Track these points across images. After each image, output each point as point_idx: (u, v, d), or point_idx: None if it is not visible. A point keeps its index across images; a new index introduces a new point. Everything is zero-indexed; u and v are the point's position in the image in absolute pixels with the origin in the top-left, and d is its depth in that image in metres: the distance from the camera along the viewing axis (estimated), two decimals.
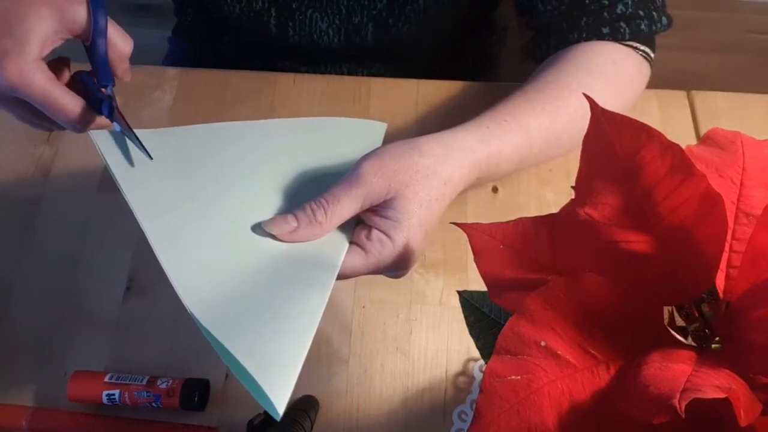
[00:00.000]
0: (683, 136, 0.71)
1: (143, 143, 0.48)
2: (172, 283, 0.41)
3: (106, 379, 0.57)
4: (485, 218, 0.46)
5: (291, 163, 0.51)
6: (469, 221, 0.37)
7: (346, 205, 0.45)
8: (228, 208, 0.47)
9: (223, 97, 0.74)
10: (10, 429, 0.56)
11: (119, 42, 0.49)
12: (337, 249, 0.46)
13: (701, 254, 0.30)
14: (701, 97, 0.74)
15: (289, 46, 0.78)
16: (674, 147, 0.29)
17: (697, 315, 0.31)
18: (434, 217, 0.47)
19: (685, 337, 0.30)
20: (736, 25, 1.06)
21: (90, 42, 0.47)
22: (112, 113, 0.47)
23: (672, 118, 0.73)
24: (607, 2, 0.62)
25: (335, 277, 0.44)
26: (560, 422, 0.28)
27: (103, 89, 0.49)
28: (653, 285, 0.30)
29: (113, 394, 0.56)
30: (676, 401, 0.24)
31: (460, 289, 0.46)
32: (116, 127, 0.48)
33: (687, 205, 0.29)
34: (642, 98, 0.65)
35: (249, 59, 0.84)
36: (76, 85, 0.49)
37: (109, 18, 0.48)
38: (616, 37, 0.62)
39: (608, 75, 0.60)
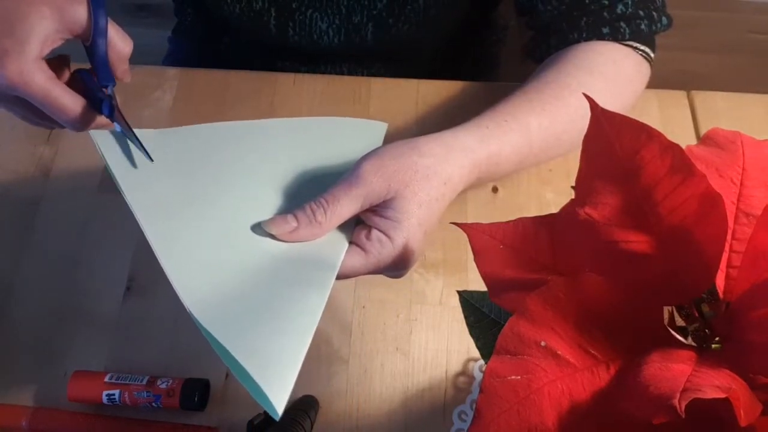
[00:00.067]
0: (683, 136, 0.71)
1: (143, 143, 0.48)
2: (172, 284, 0.41)
3: (106, 379, 0.57)
4: (485, 218, 0.46)
5: (291, 163, 0.51)
6: (469, 221, 0.37)
7: (346, 205, 0.45)
8: (228, 208, 0.47)
9: (223, 97, 0.74)
10: (10, 429, 0.56)
11: (119, 42, 0.49)
12: (336, 249, 0.46)
13: (701, 254, 0.30)
14: (701, 97, 0.74)
15: (289, 46, 0.78)
16: (674, 147, 0.29)
17: (697, 315, 0.31)
18: (434, 217, 0.47)
19: (685, 337, 0.30)
20: (736, 25, 1.06)
21: (90, 42, 0.47)
22: (113, 113, 0.48)
23: (672, 118, 0.73)
24: (607, 2, 0.62)
25: (335, 277, 0.44)
26: (560, 422, 0.28)
27: (103, 89, 0.49)
28: (653, 285, 0.30)
29: (113, 394, 0.56)
30: (676, 401, 0.24)
31: (460, 289, 0.46)
32: (116, 127, 0.49)
33: (687, 205, 0.29)
34: (642, 98, 0.65)
35: (249, 59, 0.84)
36: (76, 83, 0.49)
37: (109, 18, 0.48)
38: (616, 37, 0.62)
39: (608, 75, 0.60)
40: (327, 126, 0.58)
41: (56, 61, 0.49)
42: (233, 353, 0.37)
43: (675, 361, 0.28)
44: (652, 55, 0.64)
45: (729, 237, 0.31)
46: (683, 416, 0.24)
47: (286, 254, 0.45)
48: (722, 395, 0.25)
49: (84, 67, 0.50)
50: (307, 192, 0.48)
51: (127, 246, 0.65)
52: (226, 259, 0.44)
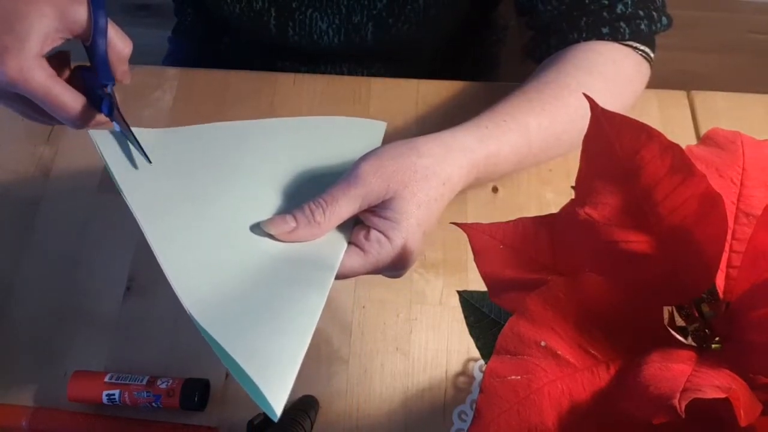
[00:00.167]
0: (683, 136, 0.71)
1: (143, 142, 0.48)
2: (171, 284, 0.41)
3: (106, 379, 0.57)
4: (485, 218, 0.46)
5: (290, 163, 0.51)
6: (469, 221, 0.37)
7: (345, 205, 0.45)
8: (227, 209, 0.47)
9: (223, 97, 0.74)
10: (10, 429, 0.56)
11: (119, 43, 0.49)
12: (335, 249, 0.46)
13: (701, 254, 0.30)
14: (701, 97, 0.74)
15: (289, 46, 0.78)
16: (674, 147, 0.29)
17: (697, 315, 0.31)
18: (433, 217, 0.47)
19: (685, 337, 0.30)
20: (736, 25, 1.06)
21: (90, 42, 0.47)
22: (112, 112, 0.48)
23: (672, 118, 0.73)
24: (606, 2, 0.62)
25: (334, 277, 0.44)
26: (560, 422, 0.28)
27: (103, 87, 0.48)
28: (653, 285, 0.30)
29: (113, 394, 0.56)
30: (676, 401, 0.24)
31: (460, 289, 0.46)
32: (115, 126, 0.48)
33: (687, 205, 0.29)
34: (642, 98, 0.65)
35: (249, 59, 0.84)
36: (76, 81, 0.49)
37: (108, 19, 0.48)
38: (616, 37, 0.62)
39: (608, 75, 0.60)
40: (326, 125, 0.58)
41: (56, 59, 0.49)
42: (232, 354, 0.37)
43: (675, 361, 0.28)
44: (652, 55, 0.64)
45: (729, 237, 0.31)
46: (683, 416, 0.24)
47: (285, 254, 0.45)
48: (722, 395, 0.25)
49: (85, 64, 0.50)
50: (306, 192, 0.48)
51: (127, 246, 0.65)
52: (225, 260, 0.44)
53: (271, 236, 0.45)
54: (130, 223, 0.44)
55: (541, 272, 0.34)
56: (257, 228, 0.46)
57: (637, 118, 0.29)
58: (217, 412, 0.58)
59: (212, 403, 0.58)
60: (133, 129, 0.48)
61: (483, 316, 0.44)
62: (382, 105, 0.73)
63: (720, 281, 0.31)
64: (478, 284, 0.37)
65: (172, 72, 0.76)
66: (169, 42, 0.98)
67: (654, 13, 0.63)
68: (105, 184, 0.69)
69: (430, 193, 0.46)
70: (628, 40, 0.62)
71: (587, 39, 0.62)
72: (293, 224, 0.45)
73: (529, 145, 0.54)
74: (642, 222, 0.30)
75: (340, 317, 0.62)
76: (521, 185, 0.69)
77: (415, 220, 0.46)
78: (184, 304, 0.40)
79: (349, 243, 0.47)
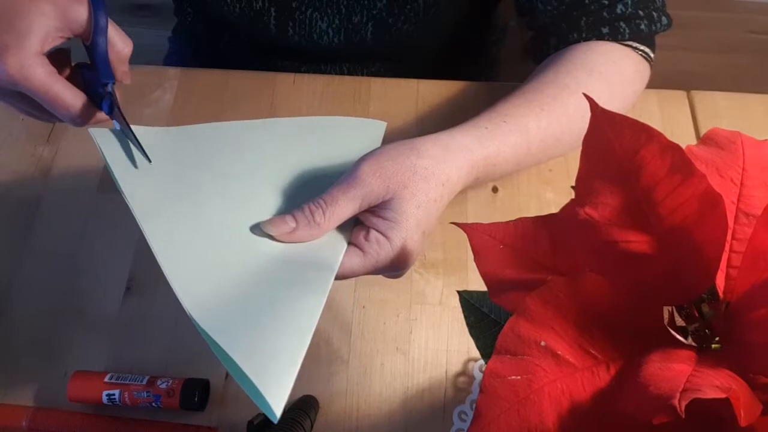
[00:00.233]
0: (683, 136, 0.71)
1: (143, 140, 0.48)
2: (171, 284, 0.41)
3: (106, 379, 0.57)
4: (485, 218, 0.46)
5: (290, 163, 0.51)
6: (469, 221, 0.37)
7: (345, 206, 0.45)
8: (227, 209, 0.47)
9: (223, 97, 0.74)
10: (10, 429, 0.56)
11: (119, 43, 0.49)
12: (335, 250, 0.46)
13: (701, 254, 0.30)
14: (701, 97, 0.74)
15: (289, 45, 0.78)
16: (674, 147, 0.29)
17: (697, 315, 0.31)
18: (432, 218, 0.47)
19: (685, 337, 0.30)
20: (736, 25, 1.06)
21: (90, 41, 0.47)
22: (112, 110, 0.48)
23: (672, 118, 0.73)
24: (606, 2, 0.62)
25: (333, 277, 0.44)
26: (560, 422, 0.28)
27: (103, 86, 0.48)
28: (653, 285, 0.30)
29: (113, 394, 0.56)
30: (676, 401, 0.24)
31: (460, 289, 0.46)
32: (115, 125, 0.48)
33: (687, 205, 0.29)
34: (642, 98, 0.65)
35: (249, 59, 0.84)
36: (77, 78, 0.49)
37: (109, 19, 0.48)
38: (616, 37, 0.62)
39: (608, 75, 0.60)
40: (326, 125, 0.58)
41: (57, 57, 0.49)
42: (231, 355, 0.37)
43: (675, 361, 0.28)
44: (652, 55, 0.64)
45: (729, 237, 0.31)
46: (683, 416, 0.24)
47: (285, 255, 0.45)
48: (722, 395, 0.25)
49: (86, 62, 0.50)
50: (306, 192, 0.48)
51: (127, 246, 0.65)
52: (225, 260, 0.44)
53: (271, 237, 0.45)
54: (130, 223, 0.44)
55: (541, 272, 0.34)
56: (257, 228, 0.46)
57: (637, 118, 0.29)
58: (217, 412, 0.58)
59: (212, 403, 0.58)
60: (134, 127, 0.48)
61: (483, 316, 0.44)
62: (382, 105, 0.73)
63: (720, 281, 0.31)
64: (478, 284, 0.37)
65: (172, 72, 0.76)
66: (169, 42, 0.98)
67: (654, 13, 0.63)
68: (105, 184, 0.69)
69: (429, 193, 0.46)
70: (628, 40, 0.62)
71: (587, 39, 0.62)
72: (293, 225, 0.45)
73: (528, 145, 0.54)
74: (642, 222, 0.30)
75: (340, 317, 0.62)
76: (521, 185, 0.69)
77: (415, 220, 0.46)
78: (183, 305, 0.40)
79: (349, 243, 0.47)
